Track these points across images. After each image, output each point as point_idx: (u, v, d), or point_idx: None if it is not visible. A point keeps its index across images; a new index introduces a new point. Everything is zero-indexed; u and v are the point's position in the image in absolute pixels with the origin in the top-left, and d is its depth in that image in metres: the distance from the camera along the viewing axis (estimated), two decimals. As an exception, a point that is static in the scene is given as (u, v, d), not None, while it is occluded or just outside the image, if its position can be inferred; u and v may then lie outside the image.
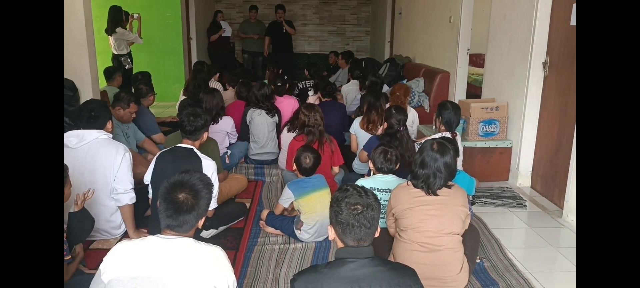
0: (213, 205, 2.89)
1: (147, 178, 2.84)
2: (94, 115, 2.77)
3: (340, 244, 1.66)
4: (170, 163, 2.71)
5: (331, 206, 1.69)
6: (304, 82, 6.59)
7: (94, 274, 1.62)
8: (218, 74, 6.33)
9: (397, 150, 2.98)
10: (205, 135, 2.98)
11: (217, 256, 1.62)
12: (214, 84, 5.77)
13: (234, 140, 4.48)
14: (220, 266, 1.60)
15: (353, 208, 1.61)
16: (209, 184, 1.71)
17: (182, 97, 5.43)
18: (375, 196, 1.69)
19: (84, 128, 2.78)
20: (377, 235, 1.68)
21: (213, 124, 4.16)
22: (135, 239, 1.62)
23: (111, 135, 2.87)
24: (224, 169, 3.76)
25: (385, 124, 3.52)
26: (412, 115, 4.54)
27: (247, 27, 8.75)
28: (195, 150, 2.84)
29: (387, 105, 4.01)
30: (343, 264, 1.57)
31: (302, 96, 6.00)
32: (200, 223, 1.70)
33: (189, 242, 1.61)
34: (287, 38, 8.58)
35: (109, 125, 2.86)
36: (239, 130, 4.57)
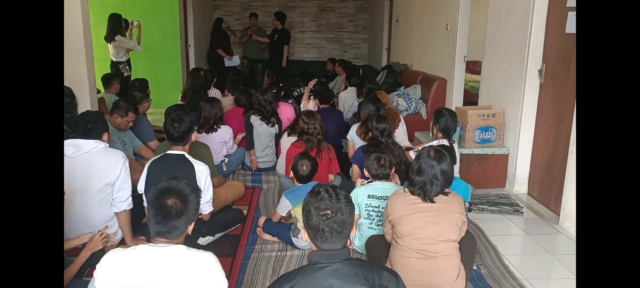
0: (209, 208, 2.88)
1: (140, 188, 2.83)
2: (89, 128, 2.74)
3: (314, 247, 1.63)
4: (162, 172, 2.69)
5: (302, 210, 1.66)
6: (299, 90, 6.64)
7: (89, 281, 1.63)
8: (215, 80, 6.34)
9: (390, 155, 2.98)
10: (193, 136, 2.94)
11: (208, 262, 1.62)
12: (214, 91, 5.77)
13: (231, 151, 4.42)
14: (213, 272, 1.60)
15: (322, 214, 1.57)
16: (196, 189, 1.73)
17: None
18: (347, 198, 1.64)
19: (80, 138, 2.77)
20: (353, 234, 1.66)
21: (211, 133, 4.16)
22: (126, 248, 1.62)
23: (108, 144, 2.87)
24: (218, 174, 3.75)
25: (369, 134, 3.52)
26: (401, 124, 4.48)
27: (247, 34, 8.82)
28: (187, 155, 2.83)
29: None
30: (315, 270, 1.53)
31: (299, 102, 6.03)
32: (190, 229, 1.71)
33: (180, 249, 1.61)
34: (277, 46, 8.54)
35: (105, 137, 2.83)
36: (240, 136, 4.56)
